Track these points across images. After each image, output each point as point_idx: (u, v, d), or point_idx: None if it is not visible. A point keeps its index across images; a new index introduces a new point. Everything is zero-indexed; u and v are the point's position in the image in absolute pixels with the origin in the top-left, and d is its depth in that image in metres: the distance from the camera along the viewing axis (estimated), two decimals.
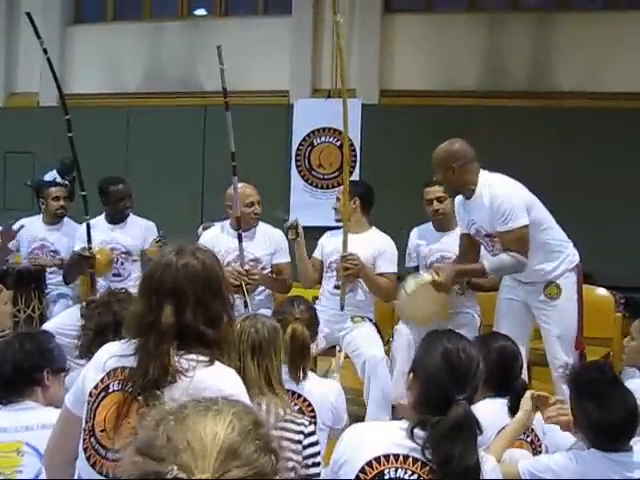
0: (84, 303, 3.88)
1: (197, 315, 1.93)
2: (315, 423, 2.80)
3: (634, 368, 3.23)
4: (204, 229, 5.21)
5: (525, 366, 3.79)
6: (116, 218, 5.00)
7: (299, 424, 2.47)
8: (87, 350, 2.70)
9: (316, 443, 2.50)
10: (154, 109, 8.65)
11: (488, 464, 2.05)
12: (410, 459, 1.98)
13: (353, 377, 4.35)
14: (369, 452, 2.01)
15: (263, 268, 4.57)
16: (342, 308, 4.39)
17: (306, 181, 8.49)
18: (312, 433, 2.50)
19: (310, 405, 2.85)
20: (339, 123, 7.99)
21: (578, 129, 7.51)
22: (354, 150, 7.81)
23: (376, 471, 1.99)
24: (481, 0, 8.38)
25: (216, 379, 1.87)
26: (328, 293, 4.54)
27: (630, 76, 7.47)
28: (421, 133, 7.24)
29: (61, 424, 2.08)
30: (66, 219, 5.38)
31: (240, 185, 4.42)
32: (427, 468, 1.96)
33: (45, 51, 4.60)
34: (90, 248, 4.66)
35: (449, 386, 2.00)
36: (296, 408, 2.76)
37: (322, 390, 2.92)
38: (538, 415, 2.79)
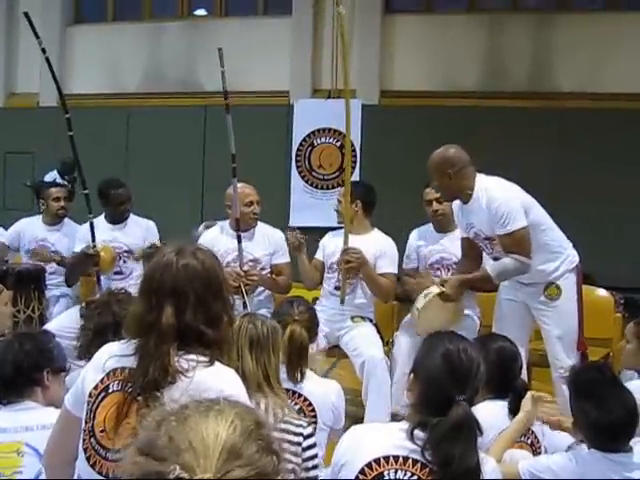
0: (84, 303, 3.88)
1: (197, 315, 1.93)
2: (316, 422, 2.80)
3: (632, 371, 3.22)
4: (206, 227, 5.20)
5: (525, 367, 3.80)
6: (116, 219, 5.01)
7: (298, 426, 2.47)
8: (86, 351, 2.70)
9: (315, 445, 2.50)
10: (154, 109, 8.65)
11: (488, 465, 2.05)
12: (410, 460, 1.98)
13: (351, 377, 4.35)
14: (369, 454, 2.01)
15: (262, 269, 4.56)
16: (342, 302, 4.38)
17: (306, 182, 8.48)
18: (311, 435, 2.50)
19: (311, 405, 2.85)
20: (339, 123, 8.08)
21: (578, 130, 7.51)
22: (354, 151, 7.81)
23: (376, 472, 1.99)
24: (481, 1, 8.38)
25: (216, 380, 1.87)
26: (328, 293, 4.54)
27: (630, 77, 7.47)
28: (421, 134, 7.24)
29: (61, 424, 2.08)
30: (66, 220, 5.38)
31: (239, 185, 4.42)
32: (427, 469, 1.96)
33: (44, 50, 4.60)
34: (94, 246, 4.68)
35: (449, 387, 2.00)
36: (296, 407, 2.76)
37: (323, 390, 2.92)
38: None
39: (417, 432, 1.99)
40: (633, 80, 7.45)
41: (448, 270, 4.47)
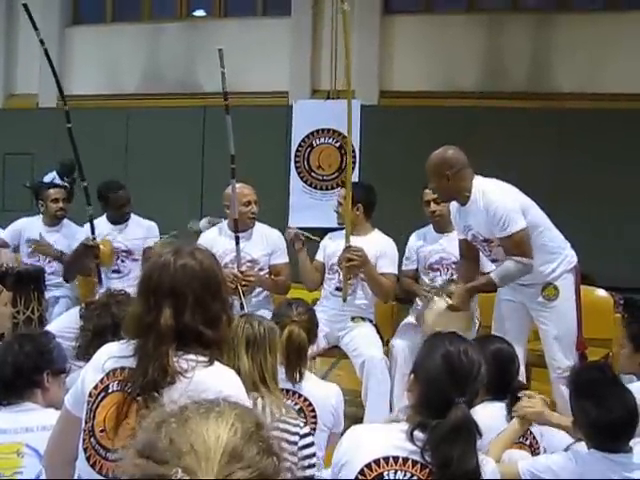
0: (83, 304, 3.88)
1: (196, 316, 1.92)
2: (315, 423, 2.80)
3: (630, 375, 3.22)
4: (210, 223, 5.18)
5: (523, 367, 3.80)
6: (117, 220, 5.02)
7: (295, 425, 2.47)
8: (85, 351, 2.71)
9: (311, 444, 2.50)
10: (153, 110, 8.65)
11: (488, 467, 2.05)
12: (410, 461, 1.98)
13: (350, 378, 4.36)
14: (368, 454, 2.01)
15: (261, 269, 4.55)
16: (345, 300, 4.37)
17: (305, 182, 8.48)
18: (307, 434, 2.50)
19: (311, 405, 2.86)
20: (338, 124, 8.08)
21: (578, 130, 7.50)
22: (353, 151, 7.80)
23: (375, 473, 1.99)
24: (480, 1, 8.38)
25: (216, 380, 1.87)
26: (329, 294, 4.54)
27: (630, 77, 7.48)
28: (421, 134, 7.24)
29: (61, 425, 2.08)
30: (65, 220, 5.38)
31: (238, 185, 4.42)
32: (427, 470, 1.96)
33: (42, 42, 4.57)
34: (94, 238, 4.69)
35: (449, 389, 2.00)
36: (297, 407, 2.77)
37: (323, 392, 2.93)
38: None
39: (417, 433, 1.99)
40: (633, 80, 7.45)
41: (447, 270, 4.48)
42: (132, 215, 5.09)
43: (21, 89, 9.50)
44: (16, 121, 8.99)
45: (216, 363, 1.93)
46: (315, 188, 8.45)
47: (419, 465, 1.97)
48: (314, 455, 2.50)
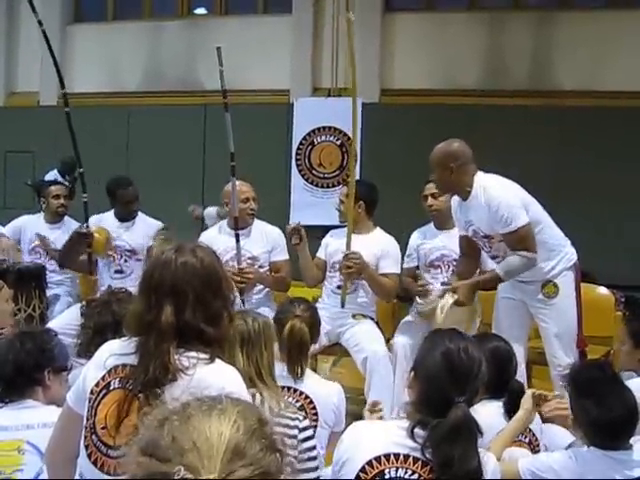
0: (84, 302, 3.88)
1: (197, 313, 1.93)
2: (317, 420, 2.80)
3: (630, 372, 3.22)
4: (218, 215, 5.15)
5: (524, 365, 3.80)
6: (124, 217, 5.00)
7: (294, 419, 2.47)
8: (86, 349, 2.71)
9: (311, 437, 2.50)
10: (154, 108, 8.65)
11: (490, 464, 2.05)
12: (410, 458, 1.98)
13: (352, 376, 4.35)
14: (369, 451, 2.01)
15: (261, 266, 4.55)
16: (342, 305, 4.39)
17: (306, 180, 8.48)
18: (306, 428, 2.50)
19: (312, 402, 2.85)
20: (340, 122, 8.08)
21: (579, 128, 7.50)
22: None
23: (376, 470, 1.99)
24: None
25: (218, 377, 1.87)
26: (330, 292, 4.54)
27: (631, 75, 7.47)
28: (422, 132, 7.23)
29: (62, 422, 2.08)
30: (66, 218, 5.38)
31: (237, 183, 4.42)
32: (428, 467, 1.96)
33: (44, 33, 4.54)
34: (87, 226, 4.64)
35: (449, 387, 1.99)
36: (298, 405, 2.76)
37: (325, 391, 2.92)
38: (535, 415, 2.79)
39: (417, 430, 1.98)
40: (634, 78, 7.45)
41: (449, 267, 4.46)
42: (139, 213, 5.07)
43: (22, 87, 9.51)
44: (17, 119, 8.99)
45: (217, 360, 1.93)
46: (316, 186, 8.45)
47: (420, 462, 1.97)
48: (314, 448, 2.50)
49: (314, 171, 8.48)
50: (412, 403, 2.10)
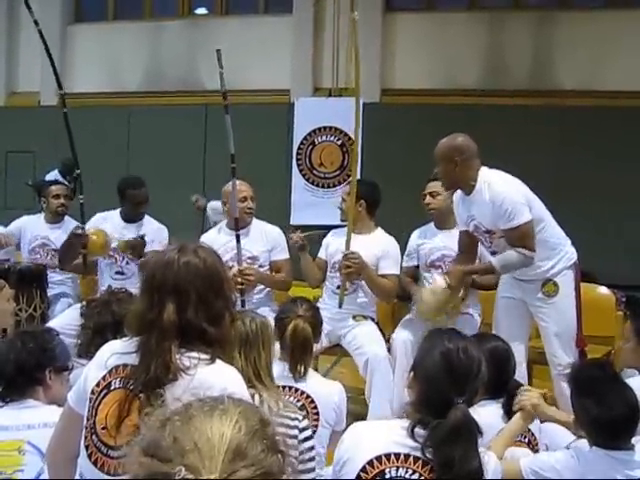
0: (84, 302, 3.88)
1: (199, 313, 1.92)
2: (318, 420, 2.80)
3: (632, 369, 3.22)
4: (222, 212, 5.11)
5: (525, 364, 3.81)
6: (131, 218, 4.97)
7: (293, 419, 2.47)
8: (86, 349, 2.71)
9: (310, 437, 2.50)
10: (155, 108, 8.66)
11: (491, 463, 2.05)
12: (411, 458, 1.98)
13: (352, 376, 4.35)
14: (370, 451, 2.01)
15: (260, 266, 4.54)
16: (340, 306, 4.38)
17: (307, 180, 8.48)
18: (306, 428, 2.50)
19: (313, 402, 2.85)
20: (340, 122, 8.09)
21: (579, 127, 7.51)
22: None
23: (377, 470, 1.99)
24: None
25: (219, 377, 1.87)
26: (331, 292, 4.53)
27: (631, 74, 7.48)
28: (422, 131, 7.22)
29: (63, 421, 2.08)
30: (67, 218, 5.37)
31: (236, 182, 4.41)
32: (428, 467, 1.96)
33: (40, 32, 4.53)
34: (83, 227, 4.62)
35: (448, 388, 1.99)
36: (299, 404, 2.77)
37: (326, 390, 2.92)
38: None
39: (417, 430, 1.98)
40: (634, 77, 7.46)
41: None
42: (146, 215, 5.04)
43: (23, 87, 9.53)
44: (18, 119, 9.01)
45: (218, 361, 1.93)
46: (317, 186, 8.46)
47: (421, 462, 1.96)
48: (313, 448, 2.50)
49: (315, 171, 8.48)
50: (412, 403, 2.10)
